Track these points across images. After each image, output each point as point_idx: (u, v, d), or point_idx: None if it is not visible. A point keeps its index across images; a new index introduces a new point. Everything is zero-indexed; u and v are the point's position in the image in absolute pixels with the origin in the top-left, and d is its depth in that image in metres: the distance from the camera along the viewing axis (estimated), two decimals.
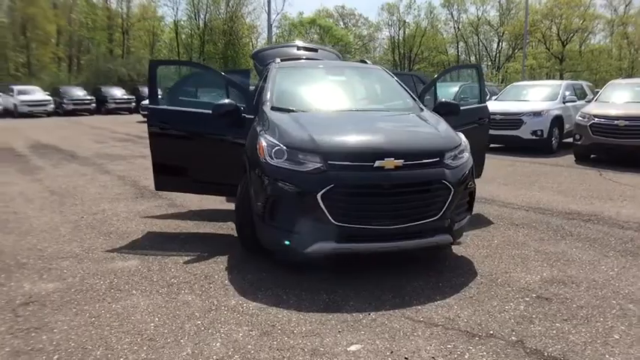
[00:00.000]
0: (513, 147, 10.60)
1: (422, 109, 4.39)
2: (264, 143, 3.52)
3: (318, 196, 3.18)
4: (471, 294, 3.17)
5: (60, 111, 24.16)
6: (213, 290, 3.25)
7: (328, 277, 3.41)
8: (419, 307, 2.96)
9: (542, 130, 10.29)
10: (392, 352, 2.45)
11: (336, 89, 4.70)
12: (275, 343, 2.55)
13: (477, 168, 5.34)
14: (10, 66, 34.34)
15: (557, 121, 10.56)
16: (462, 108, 5.28)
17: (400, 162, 3.30)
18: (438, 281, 3.38)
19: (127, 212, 5.39)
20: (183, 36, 43.72)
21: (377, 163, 3.26)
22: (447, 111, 4.64)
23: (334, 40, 51.57)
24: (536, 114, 10.37)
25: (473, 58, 50.50)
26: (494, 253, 4.01)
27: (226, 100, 4.37)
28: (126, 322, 2.79)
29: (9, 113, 22.93)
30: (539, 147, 10.38)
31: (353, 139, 3.50)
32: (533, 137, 10.36)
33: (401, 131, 3.83)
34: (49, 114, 23.66)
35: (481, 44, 49.57)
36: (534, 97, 11.34)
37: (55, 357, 2.44)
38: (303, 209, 3.27)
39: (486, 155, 5.30)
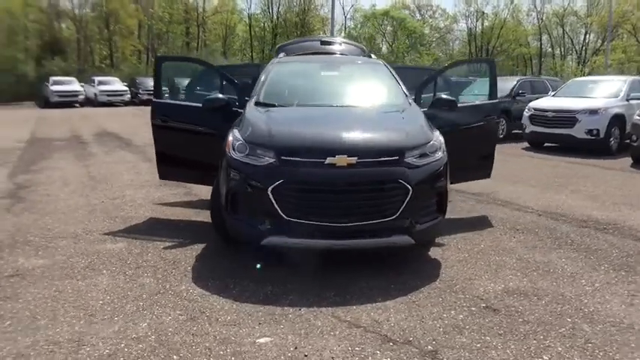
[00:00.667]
0: (569, 147, 9.83)
1: (410, 105, 4.26)
2: (230, 138, 3.65)
3: (269, 190, 3.25)
4: (416, 298, 3.07)
5: (136, 100, 26.15)
6: (172, 275, 3.44)
7: (285, 271, 3.47)
8: (354, 307, 2.94)
9: (598, 130, 9.43)
10: (296, 347, 2.47)
11: (324, 85, 4.71)
12: (195, 328, 2.68)
13: (485, 168, 5.11)
14: (95, 58, 37.60)
15: (618, 120, 9.60)
16: (468, 104, 5.08)
17: (353, 159, 3.27)
18: (393, 283, 3.31)
19: (143, 199, 5.80)
20: (257, 29, 45.06)
21: (328, 160, 3.25)
22: (443, 107, 4.49)
23: (407, 32, 50.58)
24: (593, 112, 9.51)
25: (557, 51, 47.00)
26: (472, 258, 3.82)
27: (217, 95, 4.55)
28: (80, 298, 3.07)
29: (90, 102, 25.24)
30: (594, 148, 9.53)
31: (309, 135, 3.52)
32: (588, 137, 9.53)
33: (364, 128, 3.74)
34: (126, 103, 25.75)
35: (567, 36, 45.92)
36: (594, 94, 10.39)
37: (7, 323, 2.75)
38: (257, 203, 3.36)
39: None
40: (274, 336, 2.59)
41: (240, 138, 3.57)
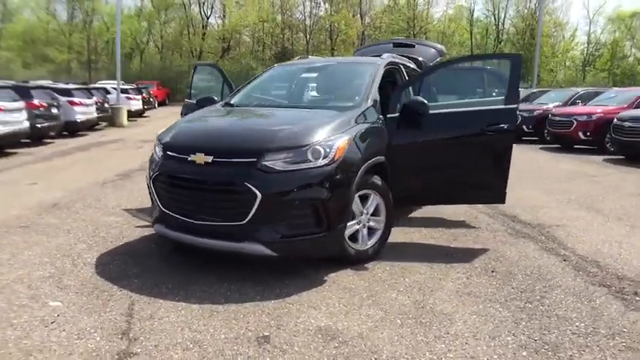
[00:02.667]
0: None
1: (358, 107, 3.82)
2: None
3: (150, 181, 3.52)
4: (223, 310, 2.87)
5: None
6: (101, 246, 4.00)
7: (180, 260, 3.69)
8: (160, 301, 2.96)
9: None
10: (58, 315, 2.75)
11: (291, 87, 4.62)
12: (37, 284, 3.18)
13: (492, 189, 4.14)
14: None
15: None
16: (458, 110, 4.22)
17: (209, 158, 3.23)
18: (238, 290, 3.15)
19: None
20: (478, 37, 42.96)
21: (190, 157, 3.31)
22: (412, 112, 3.89)
23: None
24: None
25: None
26: (363, 288, 3.23)
27: (209, 96, 4.97)
28: (29, 246, 3.93)
29: None
30: None
31: (190, 133, 3.61)
32: None
33: (242, 128, 3.68)
34: None
35: None
36: None
37: None
38: (149, 193, 3.67)
39: None
40: (66, 303, 2.91)
41: (159, 133, 3.93)
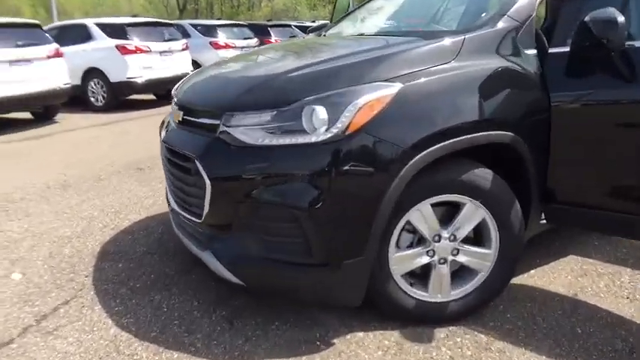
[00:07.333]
0: None
1: (458, 35, 1.96)
2: None
3: None
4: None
5: None
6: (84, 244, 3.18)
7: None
8: (108, 303, 2.16)
9: None
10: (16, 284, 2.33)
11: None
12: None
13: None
14: None
15: None
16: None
17: (180, 114, 2.11)
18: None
19: None
20: None
21: (174, 114, 2.22)
22: (595, 42, 1.85)
23: None
24: None
25: None
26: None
27: (325, 23, 3.70)
28: (70, 204, 3.56)
29: None
30: None
31: (190, 78, 2.48)
32: None
33: (234, 72, 2.38)
34: None
35: None
36: None
37: None
38: None
39: None
40: (27, 274, 2.50)
41: None
